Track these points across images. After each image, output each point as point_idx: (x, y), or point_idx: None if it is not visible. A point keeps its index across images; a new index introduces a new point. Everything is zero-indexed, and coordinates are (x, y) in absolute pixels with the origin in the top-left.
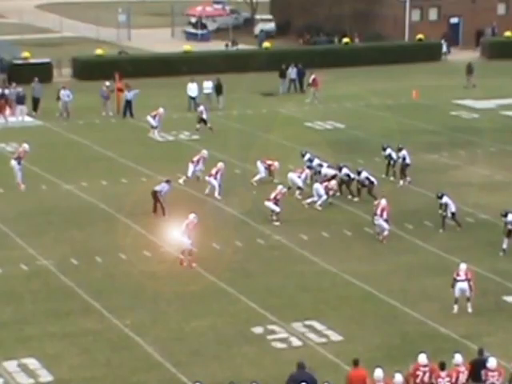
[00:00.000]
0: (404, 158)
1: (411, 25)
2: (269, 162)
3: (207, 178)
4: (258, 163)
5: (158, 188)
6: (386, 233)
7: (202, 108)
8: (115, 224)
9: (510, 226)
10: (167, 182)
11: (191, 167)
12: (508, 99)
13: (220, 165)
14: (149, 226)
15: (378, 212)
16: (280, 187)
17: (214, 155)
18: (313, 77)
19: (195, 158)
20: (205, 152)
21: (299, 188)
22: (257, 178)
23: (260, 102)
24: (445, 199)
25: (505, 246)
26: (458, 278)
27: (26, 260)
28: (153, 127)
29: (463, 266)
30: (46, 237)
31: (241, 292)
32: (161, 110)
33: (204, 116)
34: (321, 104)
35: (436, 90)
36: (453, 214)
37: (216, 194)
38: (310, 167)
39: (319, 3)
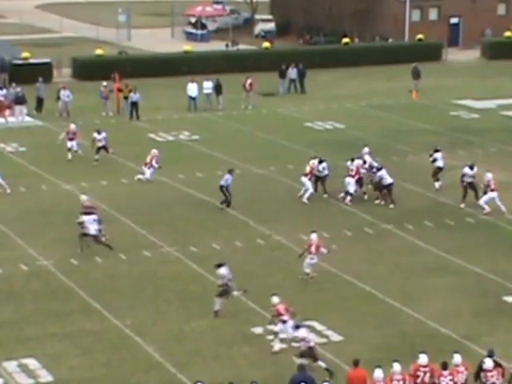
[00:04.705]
0: (435, 160)
1: (411, 25)
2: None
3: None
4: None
5: (223, 182)
6: (308, 270)
7: (104, 135)
8: (115, 224)
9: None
10: (229, 172)
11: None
12: (508, 99)
13: (154, 151)
14: (149, 226)
15: (313, 250)
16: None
17: (214, 155)
18: (249, 81)
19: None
20: None
21: (349, 194)
22: (307, 194)
23: (260, 101)
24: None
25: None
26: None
27: (26, 260)
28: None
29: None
30: (46, 237)
31: None
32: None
33: (103, 143)
34: (254, 109)
35: (436, 90)
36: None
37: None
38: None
39: (319, 3)
